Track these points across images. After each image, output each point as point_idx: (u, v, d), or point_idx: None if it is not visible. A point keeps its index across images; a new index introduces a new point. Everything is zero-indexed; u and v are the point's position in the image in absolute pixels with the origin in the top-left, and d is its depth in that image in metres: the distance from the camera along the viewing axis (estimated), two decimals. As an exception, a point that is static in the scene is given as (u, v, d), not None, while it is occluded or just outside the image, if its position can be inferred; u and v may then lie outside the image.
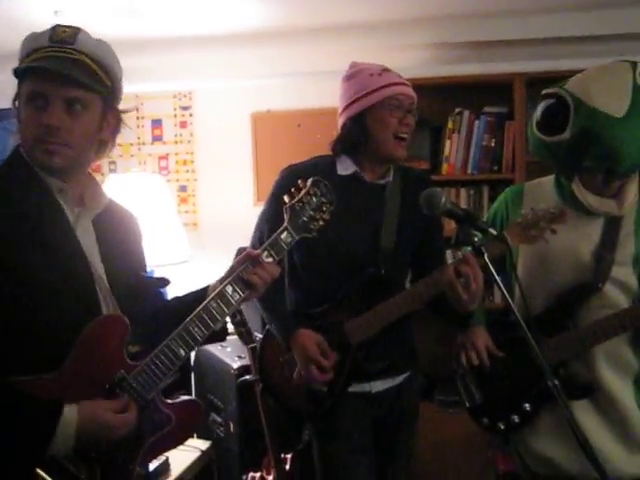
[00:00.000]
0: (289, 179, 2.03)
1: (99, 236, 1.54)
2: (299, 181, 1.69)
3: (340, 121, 2.15)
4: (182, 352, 1.49)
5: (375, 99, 2.06)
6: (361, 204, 2.13)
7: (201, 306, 1.53)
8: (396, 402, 2.21)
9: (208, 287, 1.65)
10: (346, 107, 2.12)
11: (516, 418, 2.04)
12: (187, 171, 3.91)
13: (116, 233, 1.59)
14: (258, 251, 1.59)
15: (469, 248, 1.72)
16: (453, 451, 3.13)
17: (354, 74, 2.13)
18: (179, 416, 1.54)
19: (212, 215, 3.86)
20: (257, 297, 1.65)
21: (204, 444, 2.73)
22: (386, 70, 2.12)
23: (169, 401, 1.55)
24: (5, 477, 1.30)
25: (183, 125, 3.91)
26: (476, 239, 1.64)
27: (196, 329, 1.51)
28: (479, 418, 2.13)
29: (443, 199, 1.66)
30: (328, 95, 3.68)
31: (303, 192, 1.66)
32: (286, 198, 1.66)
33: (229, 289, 1.56)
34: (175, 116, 3.91)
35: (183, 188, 3.90)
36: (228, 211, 3.80)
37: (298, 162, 2.18)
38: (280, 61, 3.65)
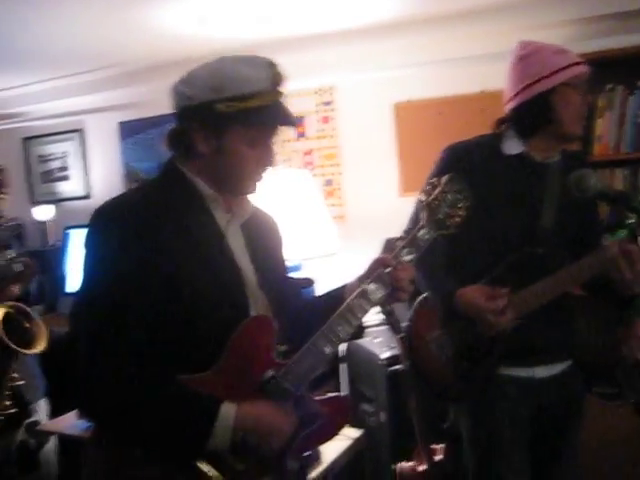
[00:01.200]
0: (451, 158, 2.04)
1: (247, 241, 1.61)
2: (434, 179, 1.68)
3: (515, 102, 2.06)
4: (328, 349, 1.52)
5: (562, 78, 1.98)
6: (524, 183, 2.06)
7: (344, 305, 1.56)
8: (561, 392, 2.10)
9: (345, 286, 1.67)
10: (526, 87, 2.03)
11: None
12: (332, 165, 3.98)
13: (262, 238, 1.66)
14: (392, 255, 1.60)
15: (624, 231, 1.63)
16: (614, 447, 2.98)
17: (531, 53, 2.03)
18: (328, 412, 1.57)
19: (358, 207, 3.92)
20: (402, 299, 1.65)
21: (355, 432, 2.77)
22: (563, 49, 2.03)
23: (318, 397, 1.60)
24: (169, 470, 1.40)
25: (325, 120, 3.98)
26: (631, 221, 1.55)
27: (339, 327, 1.54)
28: None
29: (593, 180, 1.59)
30: (467, 81, 3.65)
31: (438, 190, 1.65)
32: (422, 196, 1.66)
33: (372, 287, 1.59)
34: (317, 112, 3.99)
35: (329, 182, 3.98)
36: (374, 203, 3.84)
37: (460, 141, 2.14)
38: (418, 50, 3.62)
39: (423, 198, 1.64)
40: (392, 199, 3.79)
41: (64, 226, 4.47)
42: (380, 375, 3.04)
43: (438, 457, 2.75)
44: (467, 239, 2.07)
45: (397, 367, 2.90)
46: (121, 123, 4.67)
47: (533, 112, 2.03)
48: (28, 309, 2.24)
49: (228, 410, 1.40)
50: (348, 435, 2.73)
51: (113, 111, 4.65)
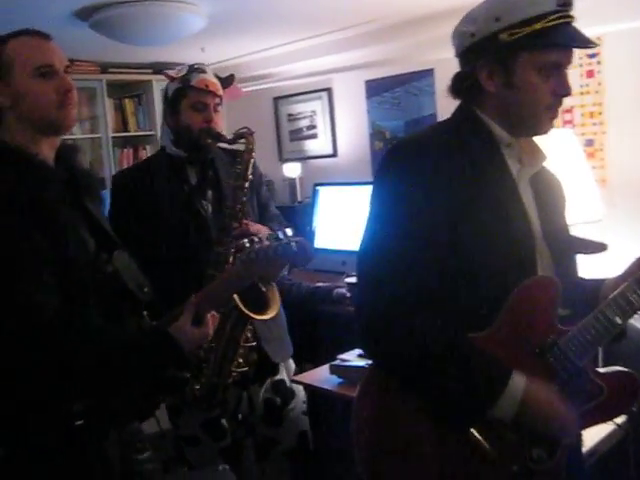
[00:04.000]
0: None
1: (536, 196, 1.49)
2: None
3: None
4: (619, 320, 1.37)
5: None
6: None
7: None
8: None
9: (604, 281, 1.51)
10: None
11: None
12: (594, 124, 3.63)
13: (548, 195, 1.54)
14: None
15: None
16: None
17: None
18: (612, 388, 1.42)
19: (624, 171, 3.53)
20: None
21: (620, 418, 2.52)
22: None
23: (602, 371, 1.44)
24: (441, 429, 1.33)
25: (590, 74, 3.62)
26: None
27: (634, 295, 1.37)
28: None
29: None
30: None
31: None
32: None
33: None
34: (581, 65, 3.64)
35: (590, 142, 3.64)
36: (642, 166, 3.44)
37: None
38: None
39: None
40: (664, 162, 3.37)
41: (312, 183, 4.60)
42: (646, 356, 2.74)
43: None
44: None
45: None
46: (367, 82, 4.66)
47: None
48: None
49: (518, 382, 1.31)
50: (612, 420, 2.49)
51: (360, 69, 4.65)
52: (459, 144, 1.41)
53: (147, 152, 5.05)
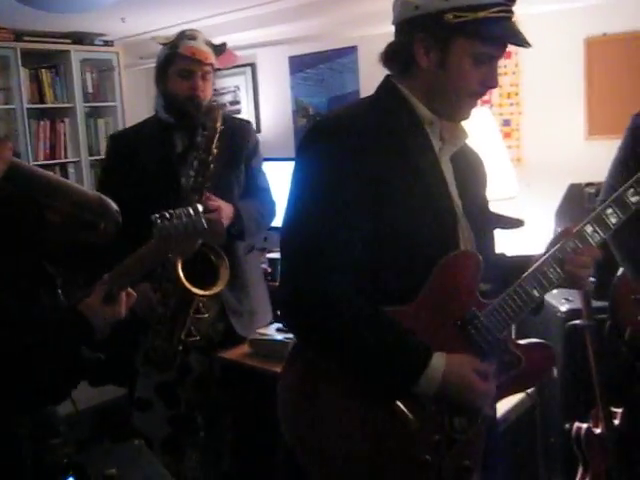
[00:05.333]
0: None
1: (456, 173, 1.52)
2: None
3: None
4: (536, 293, 1.44)
5: None
6: None
7: (556, 247, 1.46)
8: None
9: (532, 257, 1.53)
10: None
11: None
12: (511, 104, 3.74)
13: (469, 172, 1.57)
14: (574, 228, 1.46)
15: None
16: None
17: None
18: (529, 358, 1.48)
19: (538, 150, 3.66)
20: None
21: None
22: None
23: (520, 342, 1.50)
24: (368, 404, 1.37)
25: (507, 56, 3.72)
26: None
27: (551, 270, 1.44)
28: None
29: None
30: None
31: None
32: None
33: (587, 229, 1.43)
34: (500, 46, 3.74)
35: (507, 122, 3.76)
36: (555, 146, 3.57)
37: None
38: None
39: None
40: (577, 142, 3.50)
41: (234, 159, 4.56)
42: (556, 329, 2.87)
43: (617, 421, 2.58)
44: None
45: (577, 322, 2.71)
46: (291, 57, 4.64)
47: None
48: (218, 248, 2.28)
49: (438, 361, 1.35)
50: (521, 389, 2.61)
51: (284, 45, 4.63)
52: (382, 120, 1.42)
53: (65, 125, 4.87)
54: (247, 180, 2.53)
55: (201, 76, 2.35)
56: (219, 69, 2.51)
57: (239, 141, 2.51)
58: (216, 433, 2.57)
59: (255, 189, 2.55)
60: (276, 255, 3.94)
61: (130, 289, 1.56)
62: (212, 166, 2.27)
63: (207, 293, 2.21)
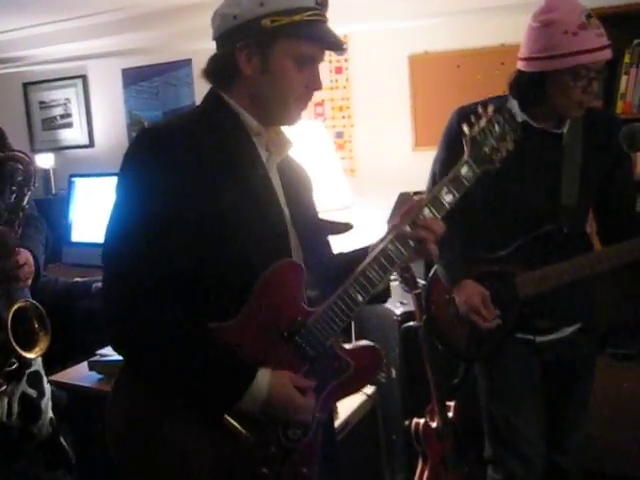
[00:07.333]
0: (460, 121, 1.94)
1: (283, 183, 1.54)
2: (479, 109, 1.54)
3: (519, 64, 1.97)
4: (360, 297, 1.45)
5: (562, 65, 1.84)
6: (536, 155, 1.98)
7: (379, 248, 1.47)
8: (566, 352, 2.12)
9: (368, 247, 1.58)
10: (527, 58, 1.93)
11: None
12: (343, 117, 3.88)
13: (294, 181, 1.59)
14: (419, 204, 1.47)
15: None
16: (628, 407, 2.96)
17: (547, 23, 1.87)
18: (358, 362, 1.51)
19: (370, 161, 3.82)
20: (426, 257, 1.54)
21: (369, 389, 2.75)
22: (585, 25, 1.84)
23: (347, 346, 1.54)
24: (196, 418, 1.36)
25: (338, 71, 3.86)
26: None
27: (373, 272, 1.46)
28: None
29: None
30: (488, 34, 3.53)
31: (485, 120, 1.51)
32: (465, 129, 1.52)
33: (391, 246, 1.46)
34: (330, 62, 3.87)
35: (339, 134, 3.89)
36: (386, 157, 3.75)
37: (469, 103, 2.07)
38: (437, 0, 3.49)
39: (466, 131, 1.52)
40: (405, 153, 3.70)
41: (67, 175, 4.38)
42: (392, 331, 3.00)
43: (450, 414, 2.74)
44: (485, 209, 2.02)
45: (411, 324, 2.86)
46: (124, 70, 4.53)
47: (527, 87, 1.94)
48: (43, 311, 2.21)
49: (262, 379, 1.36)
50: (362, 391, 2.70)
51: (116, 57, 4.51)
52: (208, 131, 1.42)
53: None
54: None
55: None
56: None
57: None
58: (56, 453, 2.45)
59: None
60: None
61: None
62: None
63: (25, 354, 2.14)
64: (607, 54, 1.87)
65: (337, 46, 1.47)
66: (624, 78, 3.12)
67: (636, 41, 3.11)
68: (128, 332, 1.34)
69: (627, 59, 3.11)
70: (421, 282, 2.61)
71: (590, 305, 2.16)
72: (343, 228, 1.78)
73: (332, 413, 1.69)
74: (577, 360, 2.15)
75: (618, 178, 2.05)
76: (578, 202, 2.00)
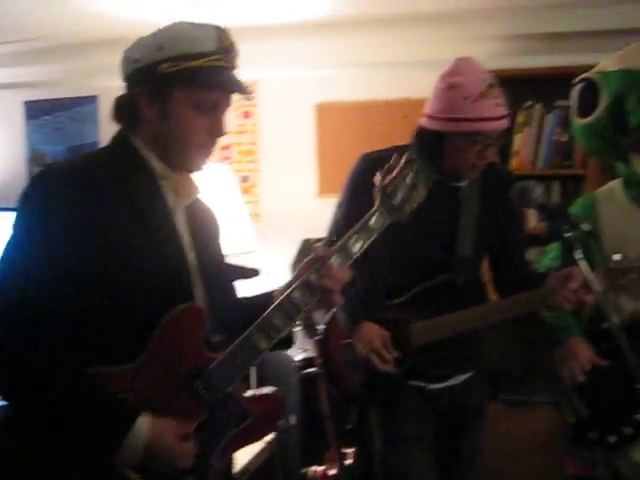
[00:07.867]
0: (366, 167, 1.99)
1: (190, 226, 1.53)
2: (392, 158, 1.54)
3: (421, 120, 2.03)
4: (263, 345, 1.44)
5: (459, 129, 1.91)
6: (434, 205, 2.00)
7: (284, 295, 1.47)
8: (457, 399, 2.16)
9: (273, 292, 1.58)
10: (430, 116, 2.00)
11: (629, 430, 1.96)
12: (249, 161, 3.90)
13: (202, 225, 1.58)
14: (326, 253, 1.49)
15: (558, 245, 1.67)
16: (520, 450, 3.06)
17: (451, 86, 1.93)
18: (260, 410, 1.50)
19: (274, 206, 3.86)
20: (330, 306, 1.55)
21: (268, 435, 2.71)
22: (485, 94, 1.91)
23: (249, 394, 1.53)
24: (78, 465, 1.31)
25: (246, 115, 3.90)
26: (568, 235, 1.59)
27: (277, 320, 1.45)
28: (585, 433, 2.05)
29: (537, 192, 1.62)
30: (394, 87, 3.68)
31: (397, 171, 1.52)
32: (377, 178, 1.53)
33: (296, 294, 1.47)
34: (238, 107, 3.90)
35: (245, 179, 3.90)
36: (291, 202, 3.79)
37: (375, 150, 2.10)
38: (345, 51, 3.61)
39: (378, 180, 1.53)
40: (309, 200, 3.76)
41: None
42: (292, 377, 3.00)
43: (348, 461, 2.75)
44: (383, 256, 2.06)
45: (310, 370, 2.86)
46: (27, 102, 4.39)
47: (425, 142, 2.00)
48: None
49: (142, 427, 1.31)
50: (261, 438, 2.67)
51: (18, 89, 4.37)
52: (112, 173, 1.40)
53: None
54: None
55: None
56: None
57: None
58: None
59: None
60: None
61: None
62: None
63: None
64: (503, 124, 1.94)
65: (237, 90, 1.45)
66: (517, 137, 3.32)
67: (528, 103, 3.32)
68: (5, 372, 1.29)
69: (520, 119, 3.32)
70: (321, 327, 2.63)
71: (481, 353, 2.23)
72: (251, 273, 1.78)
73: (231, 462, 1.65)
74: (470, 407, 2.20)
75: (510, 232, 2.15)
76: (473, 253, 2.07)
